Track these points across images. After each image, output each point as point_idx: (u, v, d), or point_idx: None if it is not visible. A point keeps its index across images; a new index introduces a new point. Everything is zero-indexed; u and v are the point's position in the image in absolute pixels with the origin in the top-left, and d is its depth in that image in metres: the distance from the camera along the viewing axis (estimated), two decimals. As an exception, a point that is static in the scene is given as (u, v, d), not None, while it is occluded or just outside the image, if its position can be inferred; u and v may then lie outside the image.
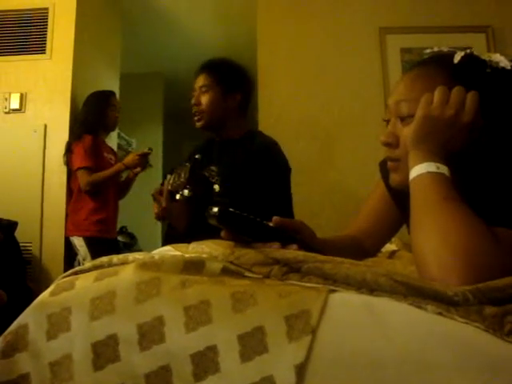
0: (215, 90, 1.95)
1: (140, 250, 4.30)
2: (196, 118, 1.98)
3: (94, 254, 2.84)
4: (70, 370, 0.58)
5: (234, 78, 2.00)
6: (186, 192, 1.57)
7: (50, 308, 0.62)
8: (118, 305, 0.61)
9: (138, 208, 4.28)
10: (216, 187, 1.56)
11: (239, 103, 2.00)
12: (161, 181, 2.54)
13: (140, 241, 4.87)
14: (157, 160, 4.55)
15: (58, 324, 0.61)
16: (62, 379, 0.58)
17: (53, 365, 0.59)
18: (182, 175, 1.61)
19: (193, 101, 1.98)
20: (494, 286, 0.59)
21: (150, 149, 3.10)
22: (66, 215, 3.07)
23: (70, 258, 2.99)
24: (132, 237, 4.85)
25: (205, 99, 1.95)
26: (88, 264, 0.71)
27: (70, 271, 0.70)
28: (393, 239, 1.35)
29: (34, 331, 0.61)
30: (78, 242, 2.95)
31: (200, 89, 1.98)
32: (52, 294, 0.65)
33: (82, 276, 0.68)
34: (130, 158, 3.03)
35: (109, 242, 3.05)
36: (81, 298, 0.63)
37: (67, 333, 0.60)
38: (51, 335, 0.60)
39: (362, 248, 1.18)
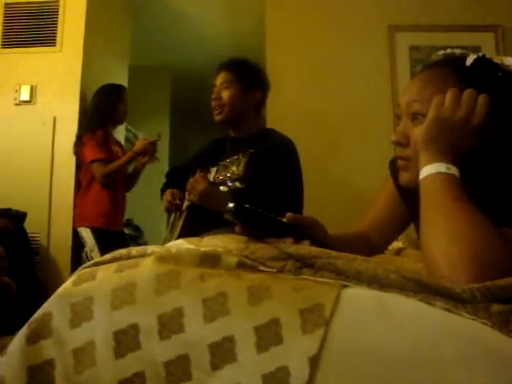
0: (236, 86, 2.00)
1: (146, 243, 4.34)
2: (216, 112, 2.02)
3: (101, 246, 2.88)
4: (93, 357, 0.61)
5: (254, 77, 2.06)
6: (237, 184, 1.60)
7: (73, 297, 0.65)
8: (138, 296, 0.63)
9: (144, 201, 4.31)
10: (236, 183, 1.59)
11: (258, 101, 2.05)
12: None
13: (146, 233, 4.90)
14: (163, 153, 4.56)
15: (80, 313, 0.63)
16: (86, 365, 0.60)
17: (76, 351, 0.61)
18: (234, 169, 1.63)
19: (213, 95, 2.03)
20: (502, 284, 0.61)
21: (159, 135, 3.12)
22: (74, 206, 3.10)
23: (78, 249, 3.02)
24: (138, 229, 4.88)
25: (226, 94, 2.00)
26: (107, 256, 0.73)
27: (91, 262, 0.73)
28: (400, 237, 1.37)
29: (58, 319, 0.64)
30: (86, 234, 2.97)
31: (221, 85, 2.02)
32: (74, 283, 0.67)
33: (102, 267, 0.70)
34: (139, 145, 3.03)
35: (116, 234, 3.08)
36: (102, 289, 0.65)
37: (90, 321, 0.62)
38: (74, 323, 0.63)
39: (369, 245, 1.20)
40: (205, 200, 1.76)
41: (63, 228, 3.10)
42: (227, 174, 1.64)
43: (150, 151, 3.05)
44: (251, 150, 1.68)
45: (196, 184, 1.76)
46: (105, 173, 2.94)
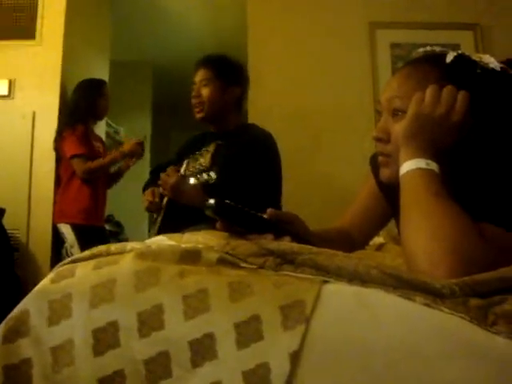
0: (215, 83, 2.00)
1: (126, 239, 4.30)
2: (196, 110, 2.02)
3: (82, 242, 2.85)
4: (71, 355, 0.60)
5: (233, 73, 2.06)
6: (204, 175, 1.60)
7: (51, 295, 0.64)
8: (117, 293, 0.62)
9: (125, 197, 4.28)
10: (212, 174, 1.59)
11: (237, 97, 2.05)
12: (148, 170, 2.54)
13: (126, 229, 4.86)
14: (145, 149, 4.52)
15: (59, 311, 0.62)
16: (64, 364, 0.59)
17: (54, 350, 0.60)
18: (202, 160, 1.63)
19: (193, 93, 2.02)
20: (480, 279, 0.62)
21: (145, 136, 3.11)
22: (54, 203, 3.06)
23: (58, 245, 2.99)
24: (118, 225, 4.84)
25: (205, 92, 1.99)
26: (86, 252, 0.72)
27: (69, 259, 0.72)
28: (380, 232, 1.38)
29: (36, 317, 0.63)
30: (66, 230, 2.94)
31: (200, 82, 2.02)
32: (52, 281, 0.66)
33: (81, 264, 0.69)
34: (128, 146, 3.01)
35: (96, 230, 3.05)
36: (81, 286, 0.64)
37: (69, 319, 0.61)
38: (52, 321, 0.62)
39: (350, 240, 1.20)
40: (176, 193, 1.76)
41: (43, 224, 3.06)
42: (196, 166, 1.65)
43: (138, 152, 3.03)
44: (218, 142, 1.69)
45: (167, 178, 1.76)
46: (85, 169, 2.91)
